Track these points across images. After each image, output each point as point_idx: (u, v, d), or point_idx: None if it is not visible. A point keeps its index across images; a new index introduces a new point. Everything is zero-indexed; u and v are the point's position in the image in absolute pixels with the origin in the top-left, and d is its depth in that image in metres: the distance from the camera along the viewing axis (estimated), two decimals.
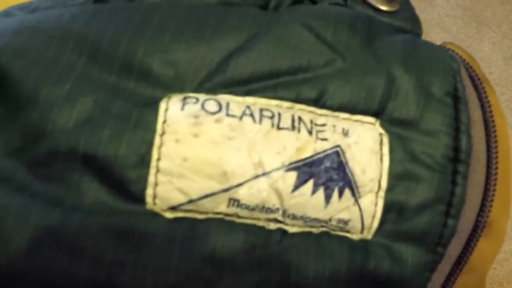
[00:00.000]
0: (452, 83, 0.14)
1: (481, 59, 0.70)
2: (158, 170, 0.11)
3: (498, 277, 0.55)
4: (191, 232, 0.11)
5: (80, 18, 0.12)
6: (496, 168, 0.15)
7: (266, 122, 0.12)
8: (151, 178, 0.11)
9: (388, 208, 0.13)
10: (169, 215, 0.11)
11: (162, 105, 0.11)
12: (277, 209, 0.12)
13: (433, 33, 0.72)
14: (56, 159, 0.11)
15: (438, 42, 0.71)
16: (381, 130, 0.13)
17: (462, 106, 0.14)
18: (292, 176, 0.12)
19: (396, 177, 0.13)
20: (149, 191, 0.11)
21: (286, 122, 0.12)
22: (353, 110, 0.13)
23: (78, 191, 0.11)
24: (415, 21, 0.17)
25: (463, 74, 0.15)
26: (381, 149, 0.13)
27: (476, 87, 0.15)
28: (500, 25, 0.74)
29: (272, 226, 0.12)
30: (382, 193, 0.13)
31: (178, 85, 0.12)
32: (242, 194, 0.11)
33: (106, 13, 0.13)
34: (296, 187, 0.12)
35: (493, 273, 0.55)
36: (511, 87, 0.68)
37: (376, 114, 0.13)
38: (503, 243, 0.17)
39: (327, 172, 0.12)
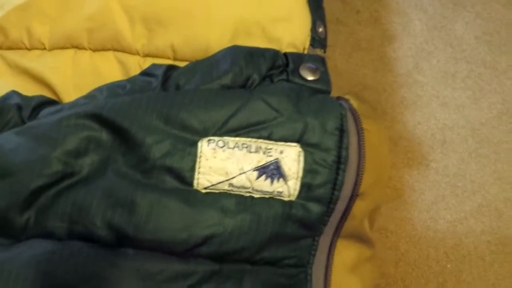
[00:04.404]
0: (339, 122, 0.32)
1: (454, 38, 0.86)
2: (198, 172, 0.29)
3: (457, 233, 0.70)
4: (211, 197, 0.30)
5: (158, 101, 0.30)
6: (364, 163, 0.33)
7: (244, 149, 0.30)
8: (196, 175, 0.30)
9: (302, 185, 0.31)
10: (203, 191, 0.30)
11: (199, 144, 0.30)
12: (249, 187, 0.30)
13: (412, 13, 0.88)
14: (151, 166, 0.30)
15: (416, 22, 0.87)
16: (300, 149, 0.31)
17: (345, 134, 0.32)
18: (256, 173, 0.30)
19: (306, 171, 0.31)
20: (195, 181, 0.30)
21: (253, 148, 0.30)
22: (286, 140, 0.31)
23: (165, 183, 0.29)
24: (328, 83, 0.34)
25: (348, 115, 0.33)
26: (299, 158, 0.31)
27: (355, 119, 0.33)
28: (474, 5, 0.89)
29: (248, 194, 0.30)
30: (299, 179, 0.31)
31: (205, 133, 0.30)
32: (234, 181, 0.30)
33: (167, 94, 0.31)
34: (257, 177, 0.30)
35: (454, 231, 0.70)
36: (480, 64, 0.84)
37: (297, 141, 0.31)
38: (376, 200, 0.35)
39: (272, 170, 0.30)
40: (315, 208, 0.31)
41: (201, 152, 0.30)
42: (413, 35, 0.86)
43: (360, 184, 0.32)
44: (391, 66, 0.84)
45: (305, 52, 0.38)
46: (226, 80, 0.32)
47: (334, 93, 0.35)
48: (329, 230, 0.33)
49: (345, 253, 0.34)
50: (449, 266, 0.69)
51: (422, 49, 0.85)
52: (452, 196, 0.73)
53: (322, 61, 0.35)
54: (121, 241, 0.29)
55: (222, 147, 0.30)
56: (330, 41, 0.85)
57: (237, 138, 0.30)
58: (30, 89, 0.36)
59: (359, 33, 0.87)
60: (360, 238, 0.35)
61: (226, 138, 0.30)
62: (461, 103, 0.80)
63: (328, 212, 0.31)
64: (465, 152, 0.76)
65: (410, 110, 0.79)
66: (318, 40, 0.39)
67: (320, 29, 0.40)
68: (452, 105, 0.80)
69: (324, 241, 0.33)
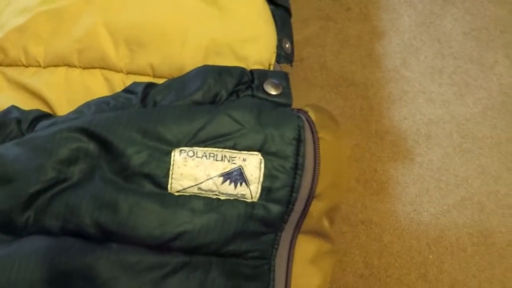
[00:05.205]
0: (297, 133, 0.37)
1: (442, 34, 0.90)
2: (172, 178, 0.35)
3: (440, 225, 0.75)
4: (182, 199, 0.36)
5: (137, 117, 0.36)
6: (319, 168, 0.39)
7: (211, 158, 0.36)
8: (169, 180, 0.35)
9: (263, 189, 0.37)
10: (176, 193, 0.36)
11: (172, 154, 0.35)
12: (215, 190, 0.36)
13: (401, 9, 0.92)
14: (132, 173, 0.36)
15: (405, 18, 0.91)
16: (261, 157, 0.37)
17: (302, 144, 0.37)
18: (221, 178, 0.36)
19: (266, 176, 0.36)
20: (169, 185, 0.35)
21: (219, 157, 0.36)
22: (249, 149, 0.37)
23: (143, 187, 0.36)
24: (289, 97, 0.40)
25: (305, 126, 0.38)
26: (260, 165, 0.37)
27: (311, 129, 0.39)
28: (464, 2, 0.92)
29: (215, 197, 0.36)
30: (260, 183, 0.37)
31: (177, 144, 0.36)
32: (203, 185, 0.36)
33: (145, 110, 0.37)
34: (223, 182, 0.36)
35: (437, 223, 0.75)
36: (467, 60, 0.88)
37: (259, 150, 0.37)
38: (333, 200, 0.41)
39: (235, 176, 0.36)
40: (275, 209, 0.37)
41: (173, 161, 0.36)
42: (402, 31, 0.90)
43: (316, 187, 0.37)
44: (379, 62, 0.89)
45: (271, 67, 0.43)
46: (197, 96, 0.38)
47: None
48: (289, 227, 0.38)
49: (305, 247, 0.40)
50: (431, 257, 0.74)
51: (410, 45, 0.89)
52: (435, 190, 0.78)
53: (285, 76, 0.41)
54: (106, 236, 0.35)
55: (191, 156, 0.36)
56: (319, 37, 0.90)
57: (205, 148, 0.36)
58: (27, 103, 0.42)
59: (349, 30, 0.92)
60: (319, 234, 0.41)
61: (196, 148, 0.36)
62: (447, 99, 0.84)
63: (287, 212, 0.37)
64: (449, 147, 0.81)
65: (397, 105, 0.84)
66: (283, 56, 0.45)
67: (287, 45, 0.46)
68: (438, 100, 0.84)
69: (285, 236, 0.38)
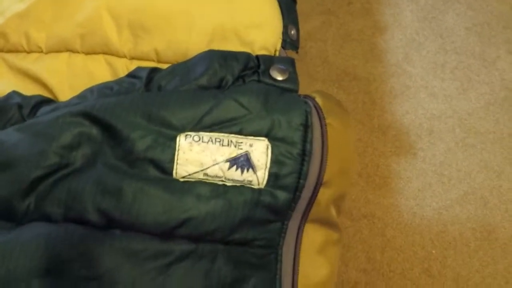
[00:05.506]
0: (304, 118, 0.36)
1: (444, 29, 0.89)
2: (177, 163, 0.34)
3: (443, 220, 0.74)
4: (188, 185, 0.35)
5: (141, 101, 0.35)
6: (327, 155, 0.37)
7: (217, 143, 0.35)
8: (174, 166, 0.34)
9: (270, 175, 0.36)
10: (181, 179, 0.34)
11: (178, 138, 0.34)
12: (222, 176, 0.35)
13: (403, 4, 0.91)
14: (136, 158, 0.34)
15: (407, 13, 0.90)
16: (268, 143, 0.36)
17: (309, 130, 0.36)
18: (228, 164, 0.35)
19: (274, 162, 0.35)
20: (174, 171, 0.34)
21: (226, 142, 0.35)
22: (256, 134, 0.36)
23: (147, 173, 0.34)
24: (296, 82, 0.39)
25: (313, 111, 0.37)
26: (267, 150, 0.36)
27: (319, 115, 0.38)
28: None
29: (221, 183, 0.35)
30: (267, 169, 0.36)
31: (182, 128, 0.35)
32: (209, 171, 0.34)
33: (149, 94, 0.36)
34: (229, 168, 0.35)
35: (440, 217, 0.74)
36: (470, 55, 0.87)
37: (266, 135, 0.36)
38: (341, 188, 0.40)
39: (242, 162, 0.35)
40: (282, 195, 0.36)
41: (179, 146, 0.34)
42: (404, 26, 0.90)
43: (323, 174, 0.36)
44: (382, 57, 0.88)
45: (277, 53, 0.42)
46: (202, 81, 0.37)
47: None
48: (297, 215, 0.37)
49: (313, 236, 0.39)
50: (434, 252, 0.73)
51: (412, 39, 0.88)
52: (438, 184, 0.77)
53: (291, 62, 0.40)
54: (109, 223, 0.34)
55: (197, 141, 0.34)
56: (321, 32, 0.89)
57: (211, 133, 0.35)
58: (29, 89, 0.41)
59: (351, 24, 0.91)
60: (327, 223, 0.40)
61: (201, 133, 0.35)
62: (449, 94, 0.84)
63: (294, 199, 0.36)
64: (452, 142, 0.80)
65: (399, 100, 0.83)
66: (289, 42, 0.44)
67: (292, 32, 0.45)
68: (441, 95, 0.84)
69: (292, 225, 0.37)
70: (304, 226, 0.38)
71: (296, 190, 0.36)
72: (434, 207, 0.76)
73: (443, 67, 0.86)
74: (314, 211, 0.37)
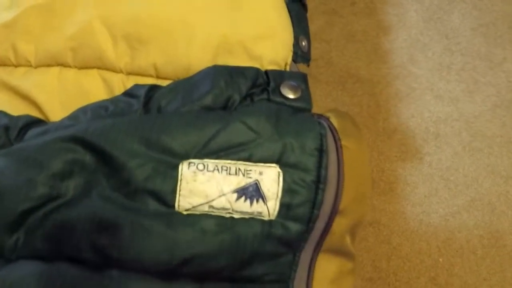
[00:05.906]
0: (319, 143, 0.33)
1: (450, 29, 0.86)
2: (179, 195, 0.31)
3: (450, 227, 0.72)
4: (191, 218, 0.31)
5: (139, 125, 0.31)
6: (343, 181, 0.34)
7: (224, 172, 0.31)
8: (177, 197, 0.31)
9: (281, 205, 0.32)
10: (184, 212, 0.31)
11: (180, 167, 0.31)
12: (229, 208, 0.31)
13: (408, 4, 0.87)
14: (134, 189, 0.31)
15: (412, 13, 0.87)
16: (279, 170, 0.32)
17: (324, 155, 0.33)
18: (235, 194, 0.31)
19: (285, 191, 0.32)
20: (176, 203, 0.31)
21: (233, 171, 0.31)
22: (265, 161, 0.32)
23: (147, 205, 0.31)
24: (309, 101, 0.35)
25: (328, 134, 0.34)
26: (278, 178, 0.32)
27: (334, 137, 0.34)
28: None
29: (228, 215, 0.31)
30: (278, 199, 0.32)
31: (186, 156, 0.31)
32: (214, 203, 0.31)
33: (148, 117, 0.32)
34: (237, 199, 0.31)
35: (446, 225, 0.72)
36: (476, 56, 0.84)
37: (277, 161, 0.32)
38: (357, 216, 0.37)
39: (251, 192, 0.31)
40: (294, 227, 0.32)
41: (181, 175, 0.31)
42: (409, 27, 0.86)
43: (339, 202, 0.33)
44: (386, 58, 0.84)
45: (287, 68, 0.38)
46: (207, 101, 0.33)
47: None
48: (309, 246, 0.34)
49: (326, 267, 0.35)
50: (441, 260, 0.71)
51: (417, 40, 0.85)
52: (445, 190, 0.75)
53: (303, 78, 0.36)
54: (106, 262, 0.30)
55: (202, 170, 0.31)
56: (325, 32, 0.86)
57: (217, 161, 0.31)
58: (16, 106, 0.37)
59: (354, 24, 0.87)
60: (341, 252, 0.36)
61: (206, 161, 0.31)
62: (455, 96, 0.80)
63: (308, 230, 0.33)
64: (458, 146, 0.77)
65: (404, 103, 0.80)
66: (300, 55, 0.40)
67: (303, 43, 0.41)
68: (446, 98, 0.80)
69: (304, 256, 0.34)
70: (317, 257, 0.35)
71: (310, 221, 0.32)
72: (441, 213, 0.73)
73: (448, 68, 0.82)
74: (328, 241, 0.34)
